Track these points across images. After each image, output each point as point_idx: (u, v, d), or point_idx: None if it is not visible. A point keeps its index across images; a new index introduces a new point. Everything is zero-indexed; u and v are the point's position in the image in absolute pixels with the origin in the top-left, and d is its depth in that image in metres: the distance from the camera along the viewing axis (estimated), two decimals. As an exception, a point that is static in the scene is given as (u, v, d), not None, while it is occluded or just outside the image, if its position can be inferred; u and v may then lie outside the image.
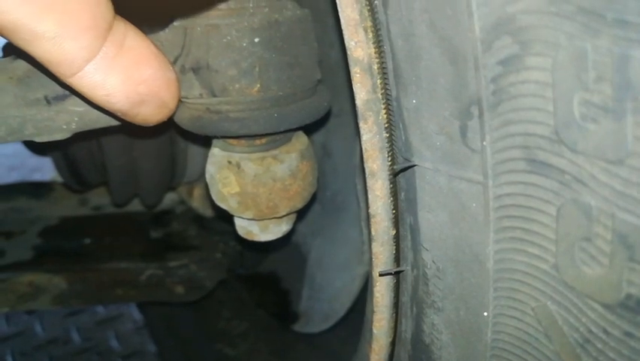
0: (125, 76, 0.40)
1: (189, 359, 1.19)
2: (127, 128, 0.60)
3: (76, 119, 0.54)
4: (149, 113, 0.43)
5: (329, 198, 0.91)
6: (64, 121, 0.54)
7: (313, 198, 0.67)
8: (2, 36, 0.36)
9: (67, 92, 0.53)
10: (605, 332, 0.32)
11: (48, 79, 0.52)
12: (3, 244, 1.01)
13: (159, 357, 1.42)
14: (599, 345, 0.32)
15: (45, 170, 2.13)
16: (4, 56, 0.59)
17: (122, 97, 0.40)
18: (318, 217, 0.94)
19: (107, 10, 0.37)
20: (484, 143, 0.34)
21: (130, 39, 0.40)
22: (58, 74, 0.38)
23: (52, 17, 0.35)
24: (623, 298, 0.30)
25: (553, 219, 0.32)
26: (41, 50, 0.36)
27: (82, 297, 0.96)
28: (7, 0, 0.33)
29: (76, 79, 0.38)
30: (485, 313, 0.38)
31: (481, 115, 0.33)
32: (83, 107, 0.53)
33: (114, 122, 0.55)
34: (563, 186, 0.31)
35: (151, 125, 0.45)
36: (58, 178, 1.01)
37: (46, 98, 0.53)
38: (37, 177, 2.12)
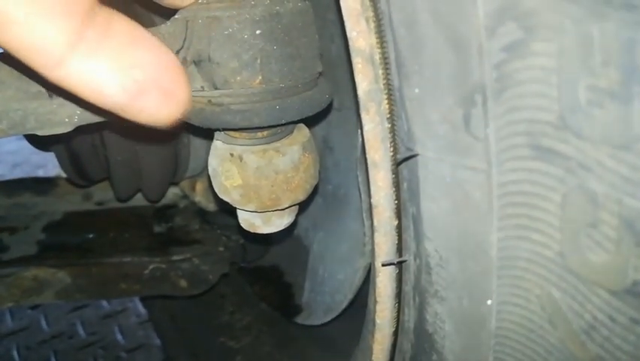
0: (115, 61, 0.35)
1: (193, 352, 1.20)
2: (130, 122, 0.60)
3: (78, 112, 0.54)
4: (154, 106, 0.38)
5: (331, 192, 0.91)
6: (67, 114, 0.54)
7: (315, 191, 0.67)
8: None
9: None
10: (611, 318, 0.31)
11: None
12: (7, 239, 1.01)
13: (163, 351, 1.43)
14: (605, 332, 0.32)
15: (49, 167, 2.13)
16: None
17: (115, 86, 0.35)
18: (320, 211, 0.94)
19: None
20: (488, 130, 0.34)
21: (116, 23, 0.36)
22: (40, 68, 0.34)
23: (28, 0, 0.31)
24: (629, 285, 0.30)
25: (559, 206, 0.32)
26: (15, 38, 0.32)
27: (86, 291, 0.97)
28: None
29: (61, 72, 0.34)
30: (489, 302, 0.38)
31: (484, 102, 0.33)
32: (84, 100, 0.53)
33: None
34: (568, 173, 0.31)
35: (162, 122, 0.39)
36: (62, 174, 1.01)
37: (47, 90, 0.53)
38: (41, 173, 2.13)
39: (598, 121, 0.29)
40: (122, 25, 0.36)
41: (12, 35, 0.32)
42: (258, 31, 0.53)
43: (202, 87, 0.55)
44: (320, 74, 0.60)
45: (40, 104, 0.53)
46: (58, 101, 0.53)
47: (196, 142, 0.94)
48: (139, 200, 1.03)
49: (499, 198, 0.35)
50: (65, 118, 0.54)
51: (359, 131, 0.75)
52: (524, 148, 0.32)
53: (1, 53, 0.60)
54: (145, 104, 0.37)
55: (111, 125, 0.59)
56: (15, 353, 1.46)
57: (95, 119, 0.55)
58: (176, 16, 0.55)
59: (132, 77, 0.36)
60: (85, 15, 0.34)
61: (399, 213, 0.46)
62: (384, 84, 0.42)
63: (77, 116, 0.54)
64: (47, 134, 0.54)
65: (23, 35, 0.32)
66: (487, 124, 0.33)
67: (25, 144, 0.92)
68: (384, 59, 0.41)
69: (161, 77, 0.37)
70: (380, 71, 0.42)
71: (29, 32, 0.32)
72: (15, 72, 0.53)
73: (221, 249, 1.05)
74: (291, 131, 0.62)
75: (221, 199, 0.63)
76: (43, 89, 0.52)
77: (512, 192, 0.34)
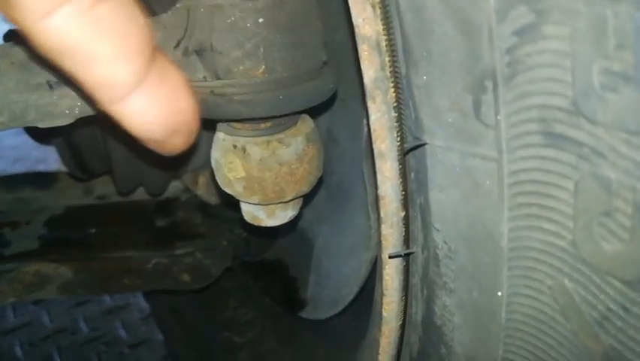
0: (166, 105, 0.39)
1: (196, 347, 1.19)
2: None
3: (78, 103, 0.53)
4: (179, 142, 0.43)
5: (335, 185, 0.90)
6: (67, 106, 0.53)
7: (319, 184, 0.66)
8: (55, 60, 0.35)
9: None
10: (625, 309, 0.31)
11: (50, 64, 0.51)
12: (9, 234, 1.01)
13: (166, 346, 1.43)
14: (619, 323, 0.31)
15: (50, 161, 2.13)
16: (5, 41, 0.58)
17: (160, 125, 0.39)
18: (324, 204, 0.93)
19: (151, 37, 0.37)
20: (499, 117, 0.33)
21: (169, 70, 0.39)
22: (102, 100, 0.37)
23: (112, 40, 0.34)
24: (644, 274, 0.29)
25: (571, 194, 0.31)
26: (94, 74, 0.35)
27: (88, 286, 0.96)
28: (72, 21, 0.32)
29: (120, 105, 0.37)
30: (499, 293, 0.37)
31: (495, 88, 0.32)
32: (85, 92, 0.53)
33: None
34: (581, 160, 0.30)
35: (175, 153, 0.44)
36: (63, 169, 1.01)
37: (48, 82, 0.52)
38: (42, 168, 2.12)
39: (612, 106, 0.28)
40: (172, 70, 0.40)
41: (91, 72, 0.35)
42: (260, 20, 0.52)
43: (204, 77, 0.54)
44: (324, 63, 0.59)
45: (41, 96, 0.52)
46: (59, 93, 0.52)
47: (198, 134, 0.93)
48: (140, 194, 1.03)
49: (510, 187, 0.34)
50: (66, 110, 0.53)
51: (364, 121, 0.74)
52: (536, 135, 0.32)
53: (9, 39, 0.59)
54: (174, 141, 0.42)
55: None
56: (18, 349, 1.46)
57: (95, 111, 0.54)
58: (177, 5, 0.54)
59: (174, 120, 0.40)
60: (152, 57, 0.37)
61: (406, 204, 0.45)
62: (390, 72, 0.41)
63: (78, 109, 0.54)
64: (48, 126, 0.54)
65: (104, 74, 0.35)
66: (497, 111, 0.33)
67: (26, 138, 0.91)
68: (391, 46, 0.40)
69: (192, 122, 0.42)
70: (387, 59, 0.41)
71: (109, 71, 0.35)
72: (15, 64, 0.52)
73: (224, 243, 1.04)
74: (295, 122, 0.62)
75: (225, 192, 0.63)
76: (43, 81, 0.52)
77: (523, 181, 0.33)
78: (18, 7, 0.32)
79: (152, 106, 0.38)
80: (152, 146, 0.43)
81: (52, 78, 0.52)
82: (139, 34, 0.35)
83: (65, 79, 0.52)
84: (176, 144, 0.43)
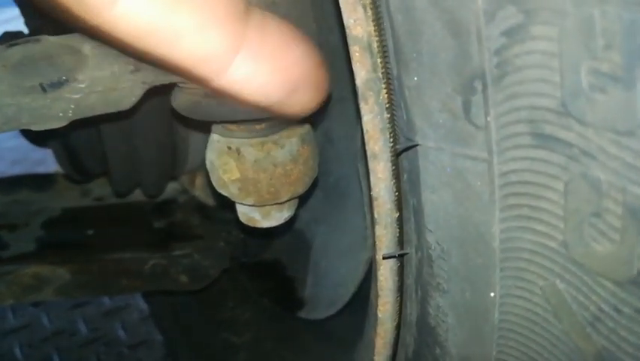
0: (276, 61, 0.36)
1: (195, 347, 1.19)
2: (125, 116, 0.59)
3: (72, 106, 0.53)
4: (306, 100, 0.39)
5: (332, 185, 0.90)
6: (61, 109, 0.53)
7: (315, 184, 0.66)
8: (138, 48, 0.32)
9: (62, 79, 0.52)
10: (616, 309, 0.31)
11: (43, 66, 0.51)
12: (7, 236, 1.01)
13: (166, 346, 1.43)
14: (610, 323, 0.31)
15: (48, 163, 2.13)
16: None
17: (277, 85, 0.36)
18: (321, 204, 0.93)
19: None
20: (489, 118, 0.33)
21: (270, 22, 0.36)
22: (207, 77, 0.34)
23: (190, 9, 0.31)
24: (634, 275, 0.29)
25: (562, 195, 0.31)
26: (187, 50, 0.32)
27: (86, 288, 0.96)
28: (136, 1, 0.30)
29: (227, 76, 0.34)
30: (492, 294, 0.37)
31: (484, 89, 0.32)
32: (79, 95, 0.53)
33: (111, 110, 0.54)
34: (570, 161, 0.30)
35: (306, 113, 0.41)
36: (61, 171, 1.01)
37: (41, 85, 0.52)
38: (41, 170, 2.12)
39: (600, 107, 0.28)
40: (275, 23, 0.36)
41: (180, 49, 0.32)
42: (253, 22, 0.52)
43: (198, 79, 0.54)
44: (318, 64, 0.59)
45: (34, 98, 0.52)
46: (52, 95, 0.52)
47: (195, 136, 0.93)
48: (138, 195, 1.03)
49: (501, 188, 0.34)
50: (59, 113, 0.53)
51: (359, 122, 0.74)
52: (526, 136, 0.32)
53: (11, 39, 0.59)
54: (298, 99, 0.38)
55: (106, 119, 0.58)
56: (17, 351, 1.46)
57: (89, 113, 0.54)
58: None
59: (290, 75, 0.37)
60: (245, 16, 0.34)
61: (399, 205, 0.45)
62: (382, 73, 0.41)
63: (72, 111, 0.54)
64: (42, 129, 0.54)
65: (197, 46, 0.32)
66: (487, 112, 0.33)
67: (24, 140, 0.91)
68: (383, 47, 0.40)
69: (313, 74, 0.38)
70: (378, 60, 0.41)
71: (200, 42, 0.32)
72: (8, 67, 0.52)
73: (221, 244, 1.04)
74: (290, 123, 0.61)
75: (220, 193, 0.63)
76: (36, 84, 0.52)
77: (514, 182, 0.33)
78: (86, 2, 0.30)
79: (260, 67, 0.35)
80: (278, 111, 0.39)
81: (46, 81, 0.52)
82: None
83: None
84: (304, 101, 0.39)
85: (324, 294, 0.94)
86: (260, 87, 0.36)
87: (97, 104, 0.53)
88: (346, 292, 0.89)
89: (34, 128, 0.53)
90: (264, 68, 0.35)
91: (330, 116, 0.86)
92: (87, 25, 0.31)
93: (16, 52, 0.52)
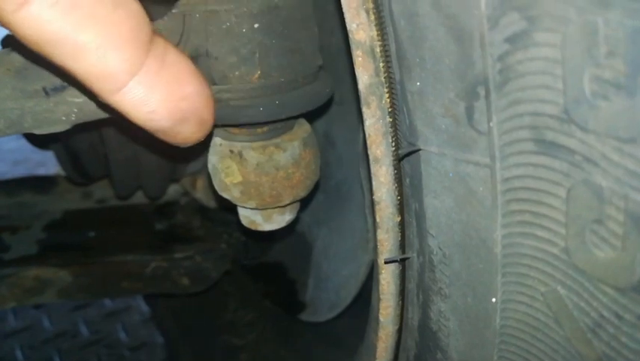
0: (168, 91, 0.38)
1: (197, 349, 1.19)
2: (127, 121, 0.59)
3: (75, 110, 0.54)
4: (190, 132, 0.41)
5: (334, 188, 0.90)
6: (64, 112, 0.53)
7: (316, 187, 0.66)
8: (44, 53, 0.34)
9: (65, 84, 0.52)
10: (618, 316, 0.31)
11: (46, 70, 0.51)
12: (8, 238, 1.01)
13: (167, 348, 1.43)
14: (611, 330, 0.31)
15: (49, 165, 2.13)
16: (2, 48, 0.59)
17: (164, 114, 0.38)
18: (323, 207, 0.93)
19: (146, 23, 0.36)
20: (491, 124, 0.33)
21: (170, 55, 0.38)
22: (101, 92, 0.36)
23: (95, 27, 0.33)
24: (636, 282, 0.29)
25: (563, 201, 0.31)
26: (85, 64, 0.34)
27: (88, 290, 0.96)
28: (49, 10, 0.32)
29: (119, 96, 0.36)
30: (493, 300, 0.37)
31: (487, 95, 0.32)
32: (81, 98, 0.53)
33: (113, 113, 0.54)
34: (573, 167, 0.30)
35: (189, 144, 0.43)
36: (63, 173, 1.01)
37: (44, 89, 0.52)
38: (42, 171, 2.13)
39: (603, 114, 0.28)
40: (175, 56, 0.39)
41: (82, 63, 0.34)
42: (256, 25, 0.52)
43: (200, 83, 0.54)
44: (320, 67, 0.59)
45: (37, 102, 0.52)
46: (55, 99, 0.53)
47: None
48: (139, 197, 1.03)
49: (503, 194, 0.34)
50: (62, 116, 0.53)
51: (361, 125, 0.74)
52: (528, 142, 0.32)
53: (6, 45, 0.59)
54: (183, 130, 0.40)
55: (110, 122, 0.58)
56: (19, 353, 1.46)
57: (92, 117, 0.55)
58: (173, 11, 0.54)
59: (179, 107, 0.39)
60: (148, 44, 0.36)
61: (401, 209, 0.45)
62: (385, 77, 0.41)
63: (74, 115, 0.54)
64: (45, 132, 0.54)
65: (93, 63, 0.34)
66: (490, 117, 0.33)
67: (26, 142, 0.92)
68: (385, 52, 0.40)
69: (201, 109, 0.40)
70: (381, 64, 0.41)
71: (99, 60, 0.34)
72: (11, 71, 0.52)
73: (223, 246, 1.04)
74: (292, 127, 0.62)
75: (222, 197, 0.63)
76: (39, 88, 0.52)
77: (516, 188, 0.33)
78: None
79: (153, 94, 0.37)
80: (162, 137, 0.41)
81: (48, 85, 0.52)
82: (128, 20, 0.34)
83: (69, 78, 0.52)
84: (187, 133, 0.41)
85: (326, 297, 0.94)
86: (149, 113, 0.38)
87: (99, 108, 0.53)
88: (348, 294, 0.89)
89: (37, 131, 0.53)
90: (156, 95, 0.37)
91: (331, 119, 0.86)
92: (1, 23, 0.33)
93: (20, 56, 0.52)
